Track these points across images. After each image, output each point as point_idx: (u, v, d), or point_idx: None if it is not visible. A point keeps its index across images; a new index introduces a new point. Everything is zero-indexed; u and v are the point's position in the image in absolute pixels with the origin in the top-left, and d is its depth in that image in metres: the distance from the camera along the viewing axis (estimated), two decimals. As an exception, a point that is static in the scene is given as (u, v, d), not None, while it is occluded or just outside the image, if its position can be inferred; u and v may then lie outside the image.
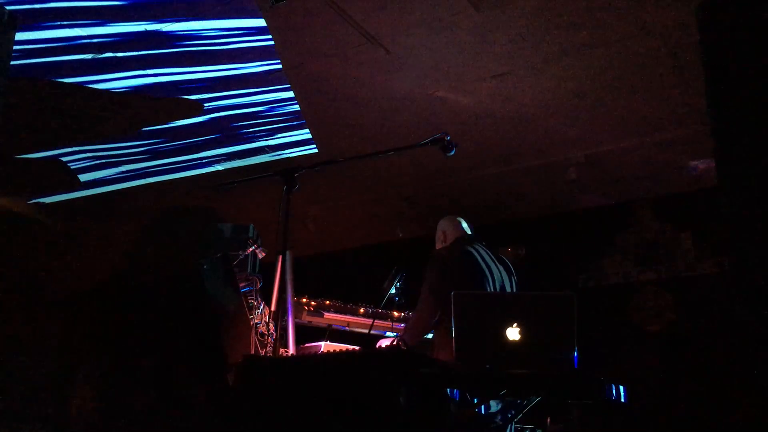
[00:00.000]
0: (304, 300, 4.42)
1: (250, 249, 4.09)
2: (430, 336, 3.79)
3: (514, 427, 3.28)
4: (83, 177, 6.22)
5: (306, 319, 4.40)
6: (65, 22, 4.18)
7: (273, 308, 3.83)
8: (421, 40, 4.34)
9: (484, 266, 3.71)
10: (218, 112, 5.28)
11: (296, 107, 5.22)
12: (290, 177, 3.39)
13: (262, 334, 3.70)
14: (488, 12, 4.06)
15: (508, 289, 3.80)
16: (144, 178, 6.32)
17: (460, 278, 3.60)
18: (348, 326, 4.56)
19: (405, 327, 4.06)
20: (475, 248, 3.78)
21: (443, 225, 4.09)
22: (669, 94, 4.91)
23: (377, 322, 4.52)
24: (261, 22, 4.24)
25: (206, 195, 6.57)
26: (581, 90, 4.90)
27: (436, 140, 3.51)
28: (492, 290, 3.67)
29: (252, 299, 3.83)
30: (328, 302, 4.52)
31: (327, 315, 4.49)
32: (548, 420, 3.16)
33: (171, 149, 5.84)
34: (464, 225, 4.04)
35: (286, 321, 4.02)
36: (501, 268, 3.85)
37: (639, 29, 4.20)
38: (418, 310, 3.71)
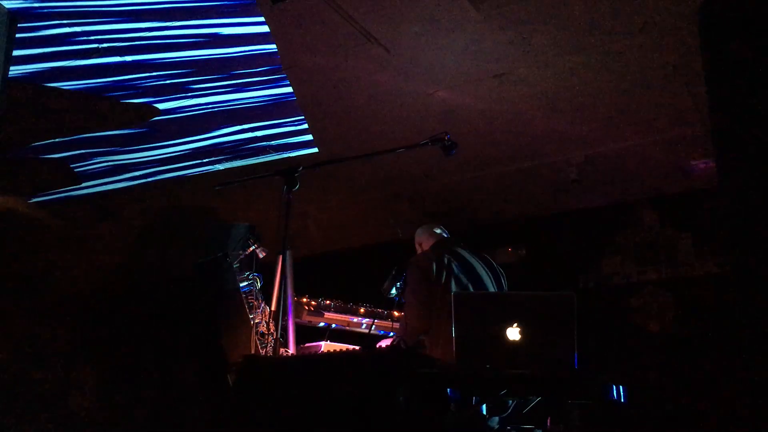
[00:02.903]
0: (305, 300, 4.42)
1: (251, 249, 4.09)
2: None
3: (514, 428, 3.28)
4: (83, 176, 6.22)
5: (306, 318, 4.40)
6: (65, 22, 4.18)
7: (273, 308, 3.84)
8: (421, 39, 4.34)
9: (462, 268, 3.72)
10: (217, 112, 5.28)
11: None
12: (290, 177, 3.40)
13: (263, 334, 3.70)
14: (488, 12, 4.06)
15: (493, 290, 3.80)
16: (144, 177, 6.32)
17: (439, 282, 3.60)
18: (348, 326, 4.56)
19: (399, 332, 4.08)
20: (451, 251, 3.79)
21: (417, 237, 4.15)
22: (669, 94, 4.91)
23: (378, 322, 4.52)
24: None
25: (206, 195, 6.57)
26: (582, 90, 4.90)
27: (436, 140, 3.51)
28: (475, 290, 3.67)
29: (252, 299, 3.83)
30: (328, 302, 4.52)
31: (327, 315, 4.49)
32: (548, 420, 3.16)
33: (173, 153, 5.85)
34: (438, 231, 4.06)
35: (287, 321, 4.03)
36: (483, 269, 3.85)
37: (639, 29, 4.20)
38: (405, 316, 3.75)
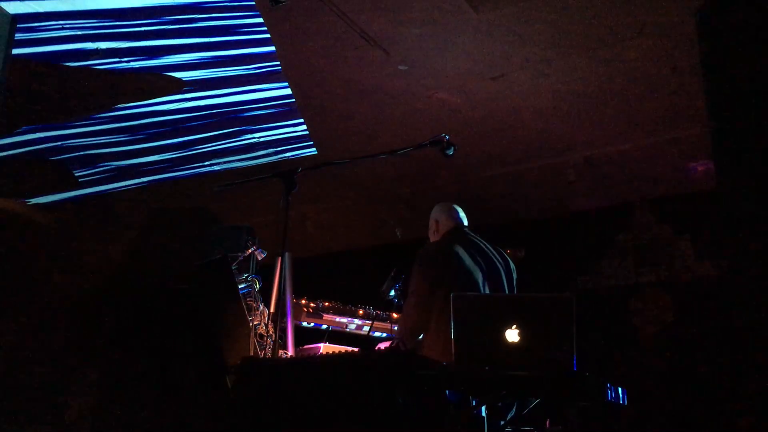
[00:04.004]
0: (303, 301, 4.41)
1: (250, 250, 4.08)
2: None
3: (513, 429, 3.27)
4: (81, 176, 6.22)
5: (305, 320, 4.39)
6: (66, 24, 4.18)
7: (272, 310, 3.83)
8: (420, 41, 4.34)
9: (472, 265, 3.67)
10: (218, 113, 5.29)
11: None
12: (289, 178, 3.39)
13: (261, 336, 3.69)
14: (487, 13, 4.06)
15: (502, 285, 3.76)
16: (143, 177, 6.33)
17: (446, 279, 3.57)
18: (347, 328, 4.55)
19: (397, 328, 4.06)
20: (465, 245, 3.74)
21: (436, 214, 4.00)
22: (668, 96, 4.91)
23: (376, 323, 4.51)
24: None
25: (206, 196, 6.57)
26: (580, 91, 4.90)
27: (435, 141, 3.50)
28: (482, 289, 3.63)
29: (251, 301, 3.82)
30: (327, 304, 4.51)
31: (326, 316, 4.48)
32: (547, 422, 3.16)
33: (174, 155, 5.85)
34: (458, 214, 3.98)
35: (285, 322, 4.02)
36: (496, 262, 3.80)
37: (638, 31, 4.20)
38: (406, 310, 3.70)
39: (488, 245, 3.86)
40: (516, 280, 3.88)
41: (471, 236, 3.84)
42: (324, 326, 4.49)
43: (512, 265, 3.91)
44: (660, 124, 5.32)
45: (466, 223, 3.99)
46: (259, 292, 3.90)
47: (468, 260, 3.67)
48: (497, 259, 3.83)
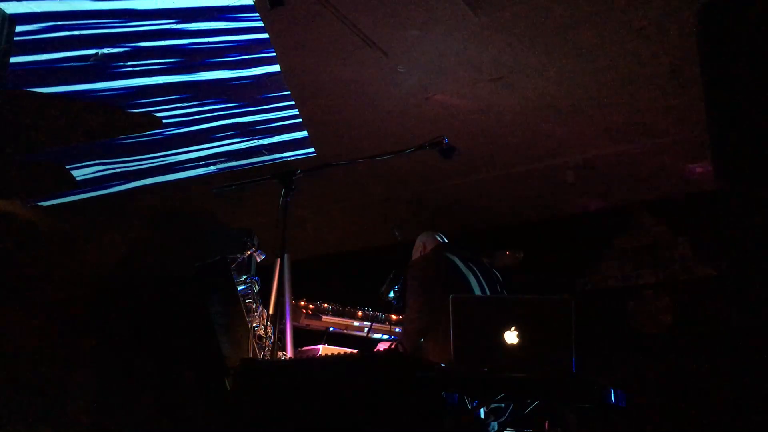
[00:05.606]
0: (303, 303, 4.42)
1: (249, 252, 4.08)
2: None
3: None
4: (81, 177, 6.22)
5: (304, 322, 4.40)
6: (65, 24, 4.18)
7: (271, 311, 3.83)
8: (418, 43, 4.35)
9: (464, 270, 3.74)
10: (217, 117, 5.29)
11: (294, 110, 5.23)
12: (288, 180, 3.40)
13: (260, 338, 3.70)
14: (485, 15, 4.06)
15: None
16: (142, 179, 6.32)
17: (440, 284, 3.62)
18: (346, 329, 4.56)
19: (399, 336, 4.11)
20: (453, 255, 3.82)
21: (422, 239, 4.16)
22: (667, 97, 4.91)
23: (375, 325, 4.52)
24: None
25: (204, 197, 6.57)
26: (579, 93, 4.90)
27: (434, 143, 3.52)
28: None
29: (250, 302, 3.82)
30: (326, 305, 4.52)
31: (325, 318, 4.49)
32: (546, 424, 3.16)
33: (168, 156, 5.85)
34: (441, 238, 4.10)
35: (284, 324, 4.02)
36: (483, 274, 3.87)
37: (637, 33, 4.21)
38: (406, 320, 3.77)
39: (470, 262, 3.93)
40: (502, 287, 3.95)
41: (454, 252, 3.92)
42: (323, 328, 4.50)
43: (497, 277, 3.98)
44: (659, 126, 5.32)
45: (449, 242, 4.10)
46: (258, 293, 3.90)
47: (457, 267, 3.74)
48: (479, 274, 3.90)
